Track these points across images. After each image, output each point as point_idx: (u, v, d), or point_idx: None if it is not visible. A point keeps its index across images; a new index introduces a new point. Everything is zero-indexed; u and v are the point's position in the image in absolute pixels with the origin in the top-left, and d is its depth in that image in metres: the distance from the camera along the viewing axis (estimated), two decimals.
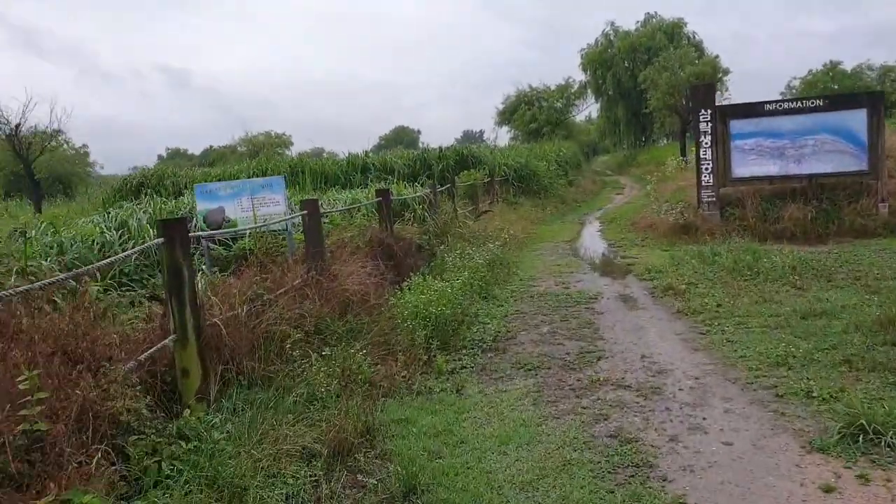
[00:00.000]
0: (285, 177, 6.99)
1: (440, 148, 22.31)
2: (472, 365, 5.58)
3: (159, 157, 71.92)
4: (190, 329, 4.38)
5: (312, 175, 20.94)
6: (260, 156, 31.76)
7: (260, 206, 7.23)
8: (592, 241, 14.88)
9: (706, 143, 12.84)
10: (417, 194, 12.01)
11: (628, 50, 51.33)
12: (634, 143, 56.49)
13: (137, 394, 3.85)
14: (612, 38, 54.02)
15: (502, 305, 7.92)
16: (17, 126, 25.43)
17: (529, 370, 5.38)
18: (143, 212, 9.11)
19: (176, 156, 71.19)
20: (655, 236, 13.04)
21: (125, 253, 4.36)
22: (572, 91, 56.74)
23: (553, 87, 56.50)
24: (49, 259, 7.56)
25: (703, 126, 12.89)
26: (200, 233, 5.68)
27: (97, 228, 8.49)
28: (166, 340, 4.31)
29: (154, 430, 3.86)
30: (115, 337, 4.36)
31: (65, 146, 49.97)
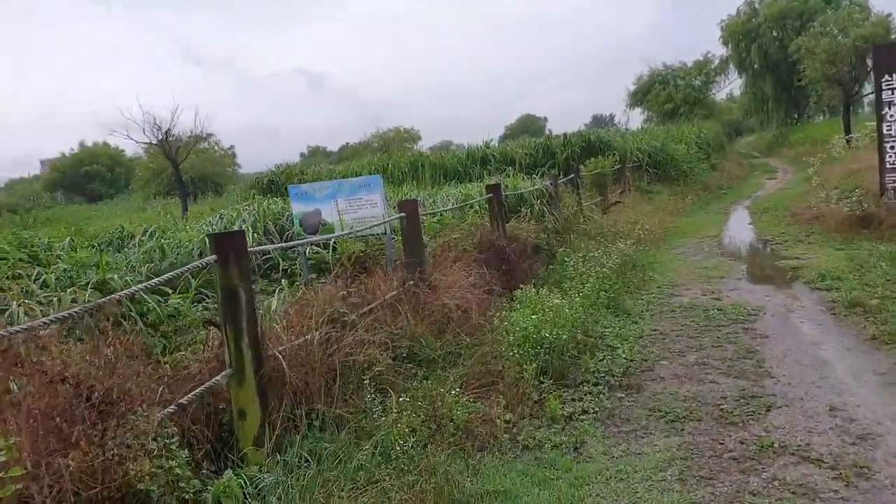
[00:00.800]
0: (382, 175, 6.06)
1: (564, 134, 20.83)
2: (596, 409, 4.41)
3: (301, 155, 75.40)
4: (248, 363, 3.62)
5: (432, 169, 20.30)
6: (386, 151, 31.88)
7: (357, 208, 6.47)
8: (744, 236, 12.94)
9: (891, 117, 10.54)
10: (535, 187, 10.84)
11: (776, 17, 46.60)
12: (784, 121, 51.52)
13: (172, 448, 3.13)
14: (756, 6, 49.36)
15: (636, 322, 6.61)
16: (168, 131, 27.22)
17: (672, 422, 4.12)
18: (250, 213, 8.71)
19: (316, 153, 74.30)
20: (824, 231, 10.94)
21: (165, 275, 3.66)
22: (712, 67, 52.74)
23: (690, 64, 52.86)
24: (149, 266, 7.32)
25: (886, 95, 10.59)
26: (270, 246, 4.97)
27: (202, 231, 8.19)
28: (218, 377, 3.58)
29: (183, 500, 3.13)
30: (164, 371, 3.71)
31: (215, 147, 53.81)
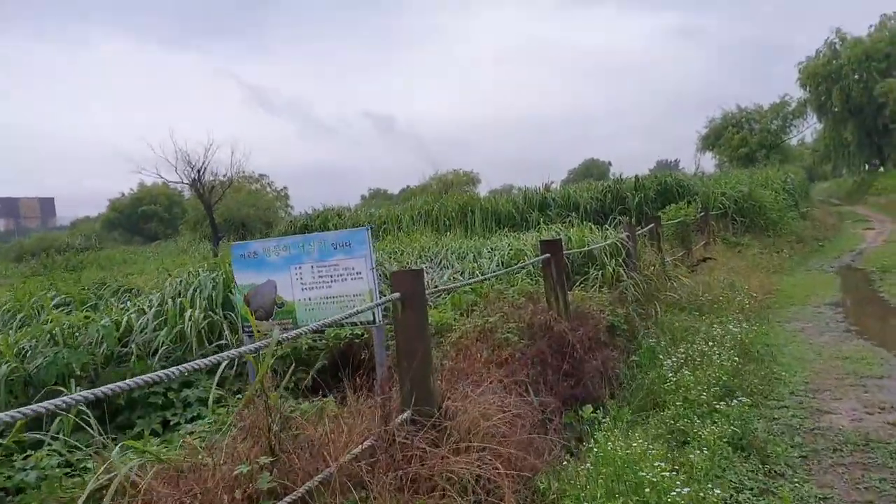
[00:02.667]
0: (371, 228, 3.69)
1: (636, 177, 18.19)
2: None
3: (362, 197, 74.62)
4: None
5: (483, 214, 17.94)
6: (445, 194, 29.78)
7: (330, 281, 4.13)
8: (874, 305, 9.99)
9: None
10: (608, 241, 8.29)
11: (860, 59, 44.21)
12: (866, 168, 48.56)
13: None
14: (837, 47, 46.74)
15: (784, 478, 3.93)
16: (200, 170, 25.74)
17: None
18: (213, 275, 6.20)
19: (376, 196, 73.51)
20: None
21: None
22: (789, 110, 49.97)
23: (766, 107, 50.27)
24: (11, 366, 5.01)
25: None
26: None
27: (129, 307, 5.96)
28: None
29: None
30: None
31: (267, 188, 53.15)
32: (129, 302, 7.23)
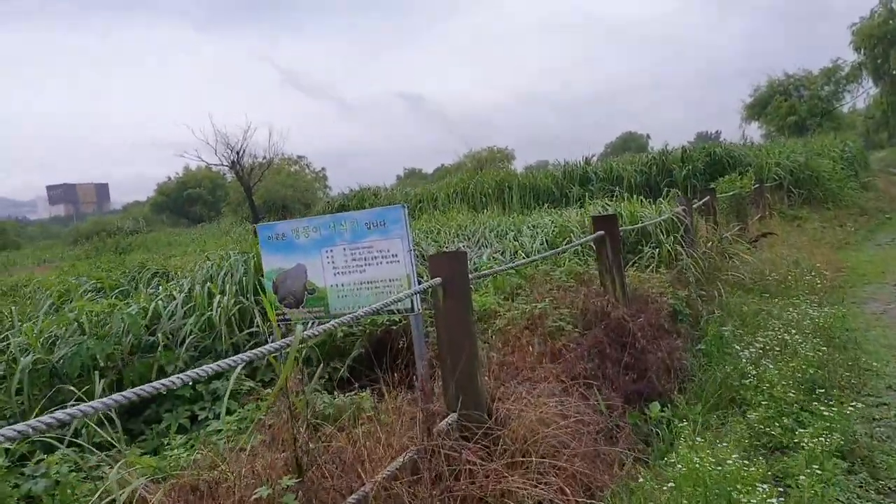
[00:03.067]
0: (407, 207, 3.19)
1: (683, 148, 17.28)
2: None
3: (397, 177, 74.72)
4: None
5: (521, 191, 17.30)
6: (480, 171, 29.15)
7: (363, 264, 3.68)
8: None
9: None
10: (663, 216, 7.66)
11: None
12: None
13: None
14: (893, 6, 43.71)
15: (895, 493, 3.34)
16: (239, 152, 25.70)
17: None
18: (245, 257, 5.86)
19: (411, 175, 73.52)
20: None
21: None
22: (842, 74, 47.41)
23: (816, 72, 47.80)
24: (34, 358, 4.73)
25: None
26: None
27: (164, 291, 5.61)
28: None
29: None
30: None
31: (305, 170, 53.33)
32: (159, 287, 6.97)
